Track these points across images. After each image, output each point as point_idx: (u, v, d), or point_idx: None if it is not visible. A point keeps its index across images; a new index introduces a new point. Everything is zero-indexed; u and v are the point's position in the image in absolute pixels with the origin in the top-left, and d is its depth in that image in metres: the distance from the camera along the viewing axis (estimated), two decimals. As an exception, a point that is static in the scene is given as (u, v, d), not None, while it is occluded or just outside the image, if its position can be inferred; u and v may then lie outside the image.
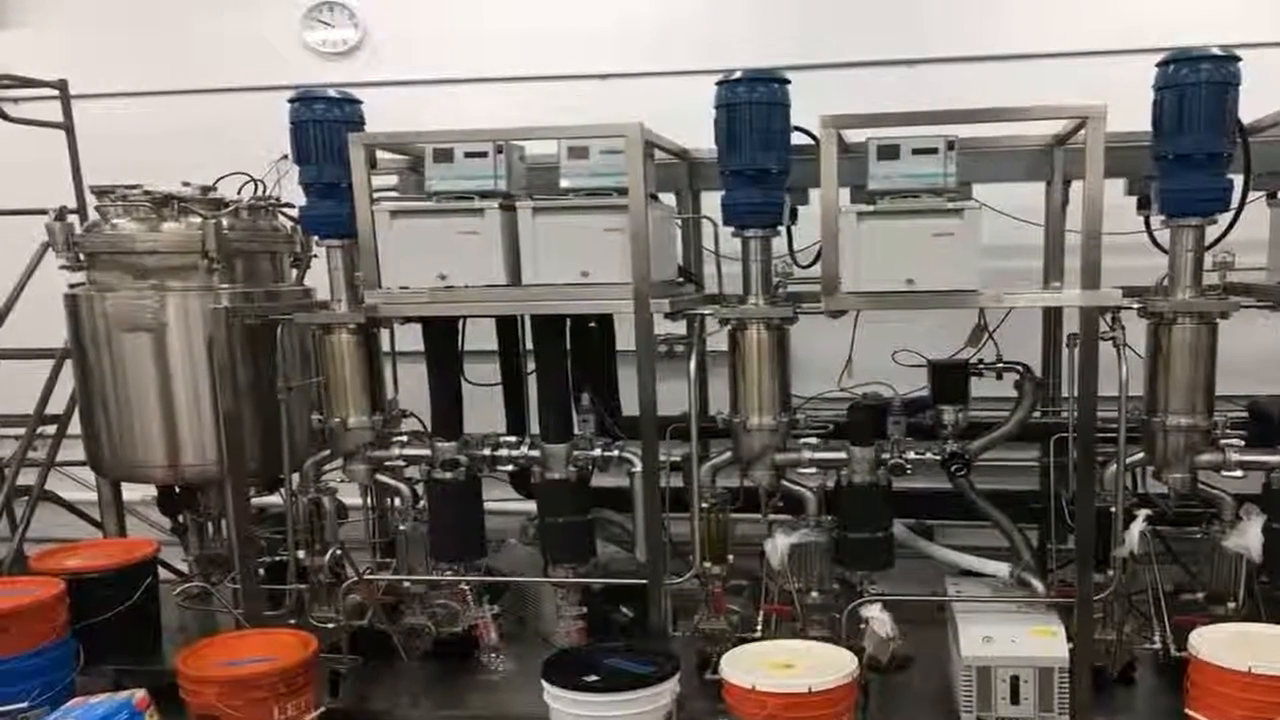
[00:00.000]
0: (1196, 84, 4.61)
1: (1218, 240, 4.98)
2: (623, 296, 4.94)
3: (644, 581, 5.23)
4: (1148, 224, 5.23)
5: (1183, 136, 4.67)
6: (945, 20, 6.73)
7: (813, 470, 5.31)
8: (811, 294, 5.05)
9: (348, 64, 7.37)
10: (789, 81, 4.99)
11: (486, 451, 5.53)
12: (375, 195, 5.24)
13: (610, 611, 5.64)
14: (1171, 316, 4.92)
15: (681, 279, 5.81)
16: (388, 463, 5.63)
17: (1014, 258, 5.85)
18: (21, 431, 6.61)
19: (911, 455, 5.18)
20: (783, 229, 5.21)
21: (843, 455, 5.22)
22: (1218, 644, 4.55)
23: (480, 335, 5.79)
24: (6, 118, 6.67)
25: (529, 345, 5.70)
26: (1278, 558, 5.00)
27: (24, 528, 6.63)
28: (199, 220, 5.78)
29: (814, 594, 5.29)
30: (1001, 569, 5.36)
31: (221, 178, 6.04)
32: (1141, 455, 5.12)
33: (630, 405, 5.38)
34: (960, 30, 6.68)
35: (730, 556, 5.35)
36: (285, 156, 5.51)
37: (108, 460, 6.01)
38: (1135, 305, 4.97)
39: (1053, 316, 6.04)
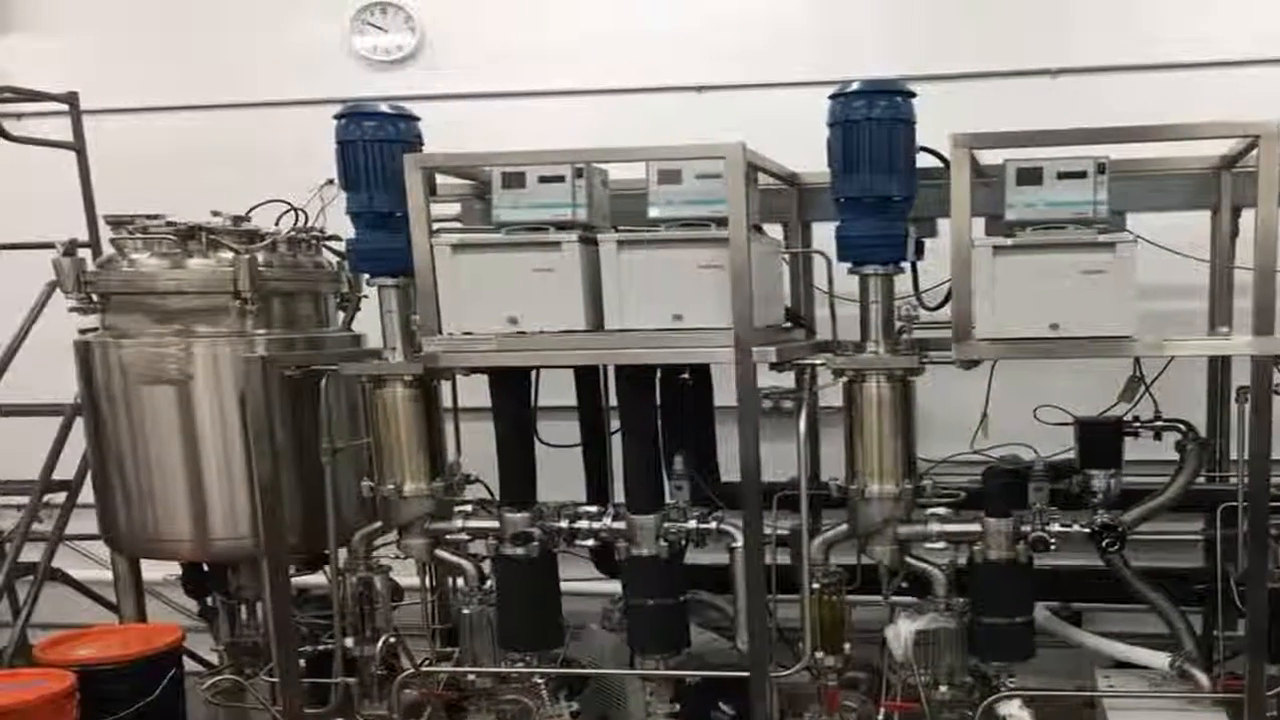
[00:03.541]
0: (1387, 96, 4.68)
1: None
2: (721, 344, 4.99)
3: (747, 674, 5.27)
4: (1330, 258, 5.31)
5: (1371, 157, 4.67)
6: (1093, 24, 6.71)
7: (941, 545, 5.35)
8: (940, 341, 5.11)
9: (403, 74, 7.36)
10: (914, 95, 5.05)
11: (564, 523, 5.57)
12: (435, 226, 5.31)
13: (708, 708, 5.72)
14: (1359, 367, 4.90)
15: (789, 323, 5.83)
16: (449, 536, 5.67)
17: (1175, 299, 5.89)
18: (25, 500, 6.66)
19: (1056, 528, 5.20)
20: (907, 265, 5.26)
21: (976, 528, 5.27)
22: None
23: (556, 388, 5.85)
24: (8, 136, 6.66)
25: (613, 400, 5.75)
26: None
27: (28, 611, 6.69)
28: (230, 255, 5.84)
29: (943, 688, 5.34)
30: (1160, 659, 5.45)
31: (256, 206, 6.10)
32: (1323, 528, 5.11)
33: (730, 470, 5.45)
34: (1111, 36, 6.66)
35: (846, 645, 5.39)
36: (330, 181, 5.64)
37: (125, 533, 6.06)
38: (1316, 354, 4.95)
39: (1220, 366, 6.06)
